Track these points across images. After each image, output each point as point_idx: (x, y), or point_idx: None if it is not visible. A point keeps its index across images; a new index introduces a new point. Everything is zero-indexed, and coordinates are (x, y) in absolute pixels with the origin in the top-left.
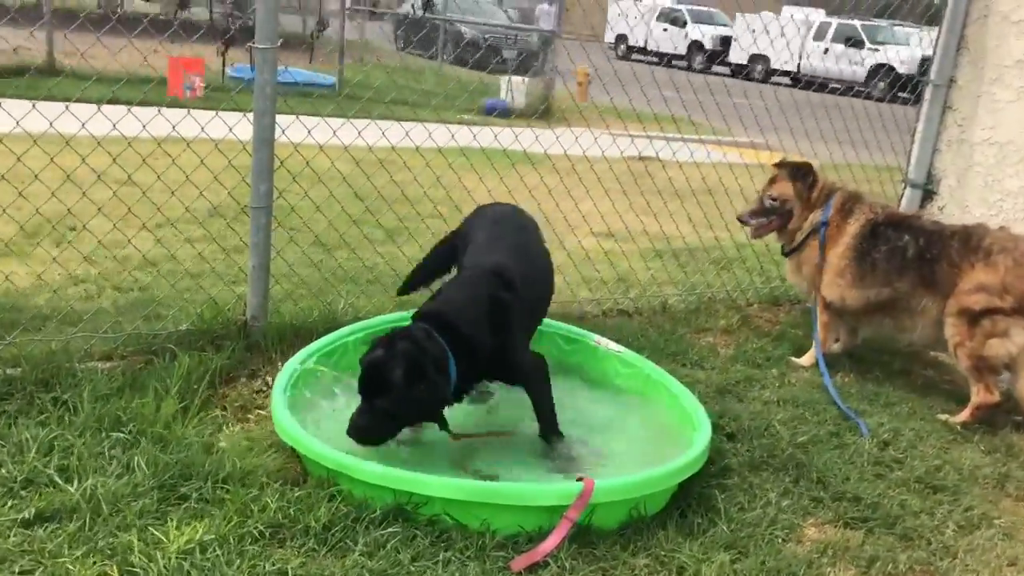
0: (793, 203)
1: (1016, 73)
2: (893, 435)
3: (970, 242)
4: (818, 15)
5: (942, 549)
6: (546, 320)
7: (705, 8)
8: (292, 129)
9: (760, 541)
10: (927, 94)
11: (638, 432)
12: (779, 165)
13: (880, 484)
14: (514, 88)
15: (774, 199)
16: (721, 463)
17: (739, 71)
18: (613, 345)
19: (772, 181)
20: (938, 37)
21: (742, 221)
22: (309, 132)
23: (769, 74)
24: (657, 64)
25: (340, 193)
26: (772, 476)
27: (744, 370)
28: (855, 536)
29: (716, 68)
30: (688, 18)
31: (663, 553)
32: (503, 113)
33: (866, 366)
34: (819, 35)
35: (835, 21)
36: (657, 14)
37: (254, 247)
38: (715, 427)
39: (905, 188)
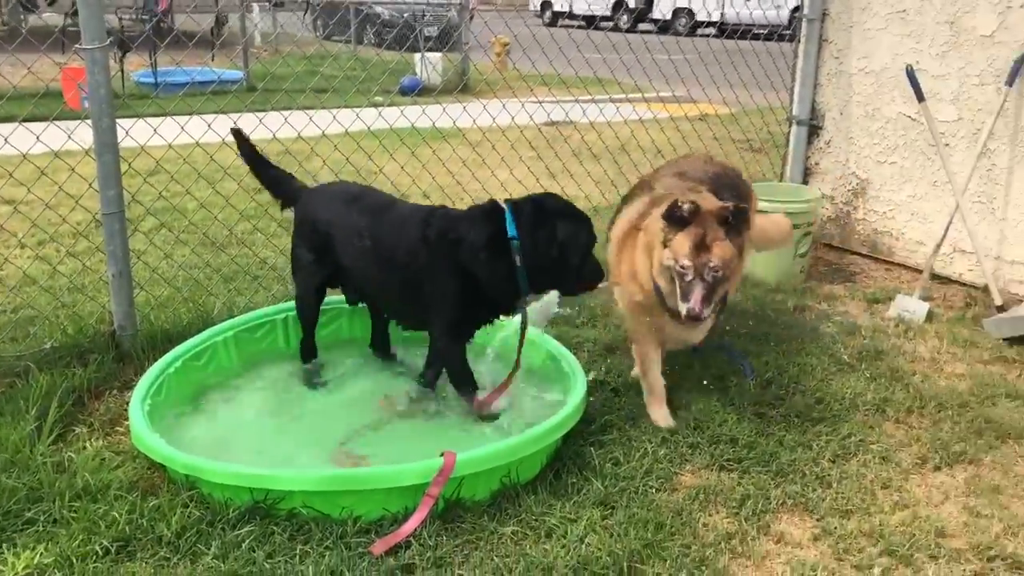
0: (736, 263)
1: (881, 0)
2: (777, 373)
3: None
4: None
5: (816, 480)
6: None
7: None
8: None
9: (633, 494)
10: (803, 29)
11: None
12: (695, 216)
13: (759, 423)
14: (429, 65)
15: (717, 270)
16: (601, 420)
17: (665, 27)
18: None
19: (704, 247)
20: None
21: (696, 318)
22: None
23: (695, 27)
24: (584, 27)
25: (231, 189)
26: (651, 427)
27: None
28: (729, 478)
29: (642, 26)
30: None
31: (533, 518)
32: (419, 91)
33: (758, 307)
34: None
35: None
36: None
37: (111, 255)
38: (601, 384)
39: (791, 126)
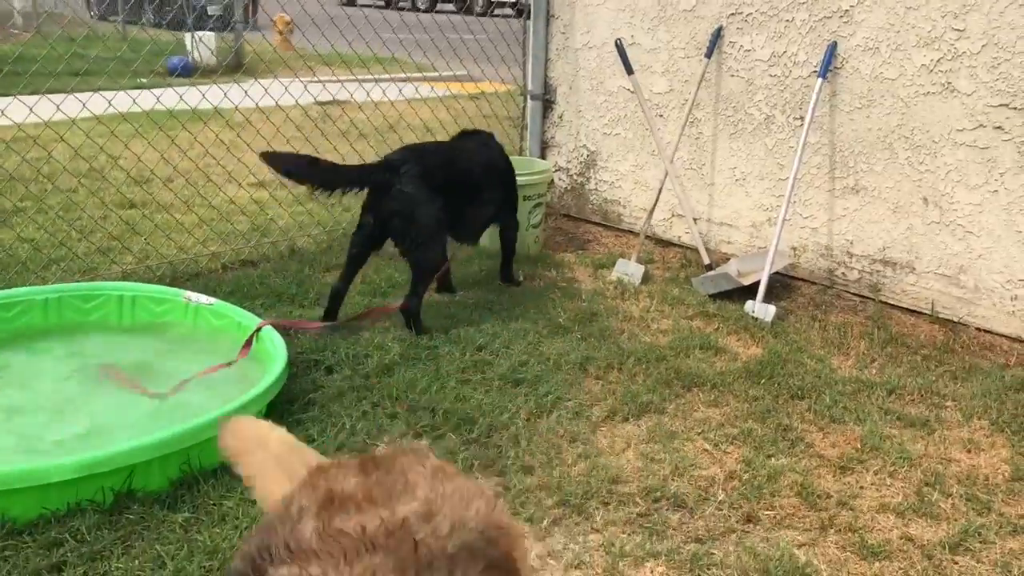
0: None
1: None
2: (491, 339)
3: None
4: None
5: (508, 440)
6: (133, 284)
7: None
8: None
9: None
10: (532, 4)
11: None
12: None
13: (462, 389)
14: (202, 44)
15: None
16: (305, 398)
17: (461, 7)
18: (204, 298)
19: None
20: None
21: None
22: None
23: (491, 7)
24: (383, 8)
25: None
26: (354, 401)
27: (362, 301)
28: (421, 445)
29: (442, 6)
30: None
31: (211, 503)
32: (186, 71)
33: (488, 277)
34: None
35: None
36: None
37: None
38: (315, 363)
39: (526, 101)
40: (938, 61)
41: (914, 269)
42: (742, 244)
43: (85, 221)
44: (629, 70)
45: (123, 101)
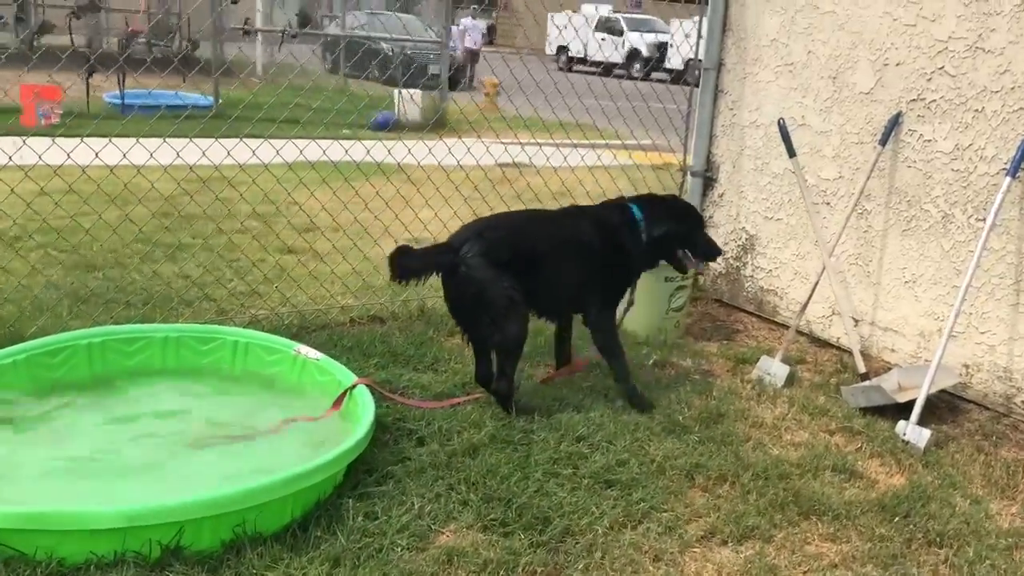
0: None
1: (772, 52)
2: (594, 430)
3: None
4: None
5: (581, 548)
6: (247, 331)
7: (643, 16)
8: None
9: (375, 551)
10: (700, 78)
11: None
12: None
13: (547, 483)
14: (407, 101)
15: None
16: (384, 470)
17: (677, 77)
18: (312, 353)
19: None
20: (700, 19)
21: None
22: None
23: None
24: (599, 74)
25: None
26: (431, 481)
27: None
28: (486, 540)
29: (656, 75)
30: (625, 27)
31: (254, 572)
32: (392, 127)
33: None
34: None
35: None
36: (595, 24)
37: None
38: (408, 433)
39: (685, 176)
40: None
41: None
42: (907, 354)
43: (243, 262)
44: (791, 152)
45: (321, 151)
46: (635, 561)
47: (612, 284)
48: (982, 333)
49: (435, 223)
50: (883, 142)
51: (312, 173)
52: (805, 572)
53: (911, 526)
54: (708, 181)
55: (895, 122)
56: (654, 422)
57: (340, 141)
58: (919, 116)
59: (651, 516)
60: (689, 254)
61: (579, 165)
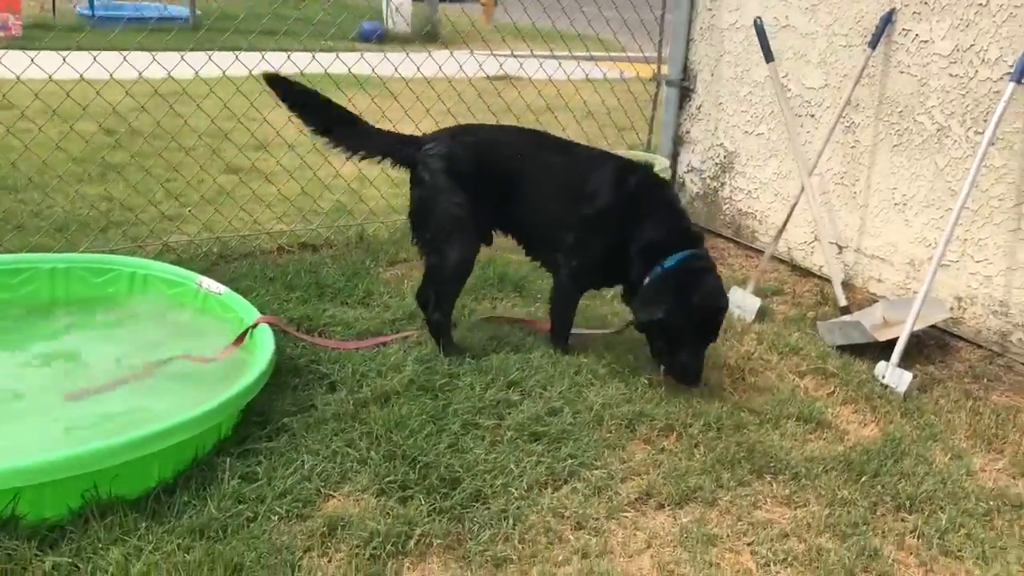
0: None
1: None
2: (530, 373)
3: None
4: None
5: (491, 515)
6: (147, 262)
7: None
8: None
9: (246, 522)
10: None
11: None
12: None
13: (464, 438)
14: (396, 11)
15: None
16: (279, 422)
17: None
18: (216, 286)
19: None
20: None
21: None
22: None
23: None
24: None
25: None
26: (330, 435)
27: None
28: (379, 506)
29: None
30: None
31: (90, 550)
32: (380, 37)
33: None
34: None
35: None
36: None
37: None
38: (321, 378)
39: (659, 87)
40: None
41: None
42: (895, 285)
43: (178, 183)
44: (769, 56)
45: (299, 66)
46: (551, 530)
47: (590, 256)
48: (977, 262)
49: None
50: (873, 44)
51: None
52: (748, 544)
53: (879, 487)
54: (685, 91)
55: (887, 20)
56: (600, 364)
57: (317, 53)
58: (915, 13)
59: (579, 475)
60: (665, 350)
61: (578, 78)
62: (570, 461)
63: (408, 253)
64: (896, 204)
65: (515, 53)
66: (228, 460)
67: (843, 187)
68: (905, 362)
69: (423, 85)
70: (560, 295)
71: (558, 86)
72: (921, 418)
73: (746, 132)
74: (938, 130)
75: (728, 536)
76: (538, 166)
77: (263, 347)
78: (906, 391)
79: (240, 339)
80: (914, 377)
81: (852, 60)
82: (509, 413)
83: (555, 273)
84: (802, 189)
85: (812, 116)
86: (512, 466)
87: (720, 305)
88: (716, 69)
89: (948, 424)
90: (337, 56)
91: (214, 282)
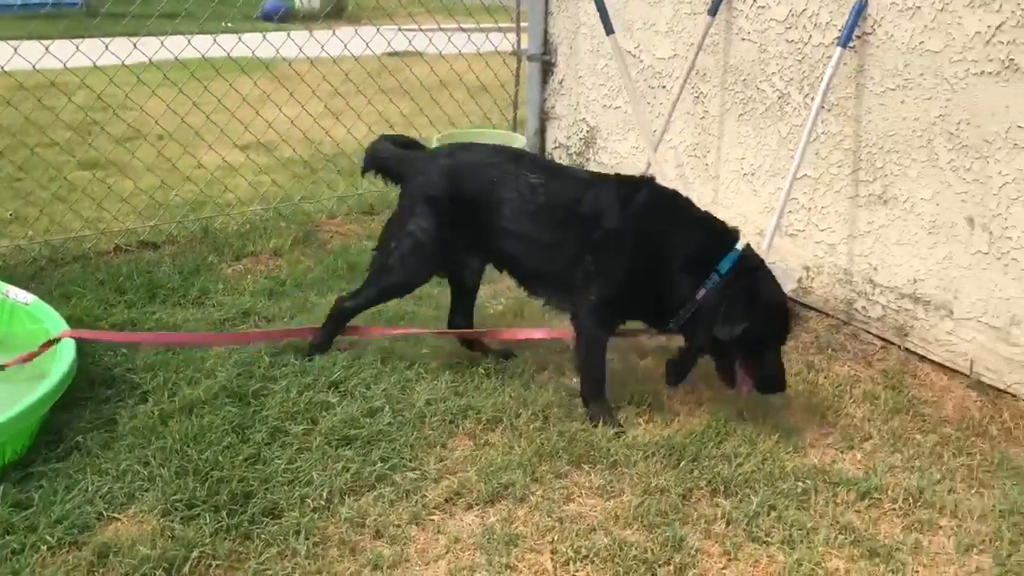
0: None
1: None
2: (355, 371)
3: None
4: None
5: (283, 531)
6: None
7: None
8: None
9: (12, 553)
10: None
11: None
12: None
13: (267, 448)
14: None
15: None
16: (73, 440)
17: None
18: (22, 296)
19: None
20: None
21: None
22: None
23: None
24: None
25: None
26: (125, 451)
27: (252, 301)
28: (159, 528)
29: None
30: None
31: None
32: (283, 18)
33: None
34: None
35: None
36: None
37: None
38: (133, 387)
39: (520, 62)
40: (998, 28)
41: (951, 313)
42: None
43: (27, 183)
44: (608, 28)
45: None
46: (345, 541)
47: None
48: (822, 231)
49: (281, 123)
50: (713, 11)
51: (155, 73)
52: (551, 543)
53: (696, 472)
54: (546, 66)
55: None
56: (435, 357)
57: (216, 35)
58: None
59: (388, 479)
60: (743, 368)
61: (483, 51)
62: (380, 465)
63: (256, 246)
64: (745, 174)
65: (402, 28)
66: (3, 486)
67: (695, 159)
68: None
69: (328, 65)
70: (584, 341)
71: (451, 61)
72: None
73: (605, 106)
74: (779, 98)
75: (532, 535)
76: (500, 182)
77: (60, 362)
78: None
79: (33, 355)
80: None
81: (698, 29)
82: (324, 417)
83: (572, 315)
84: (648, 165)
85: (664, 87)
86: (315, 475)
87: (788, 303)
88: (574, 42)
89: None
90: (240, 39)
91: (21, 291)
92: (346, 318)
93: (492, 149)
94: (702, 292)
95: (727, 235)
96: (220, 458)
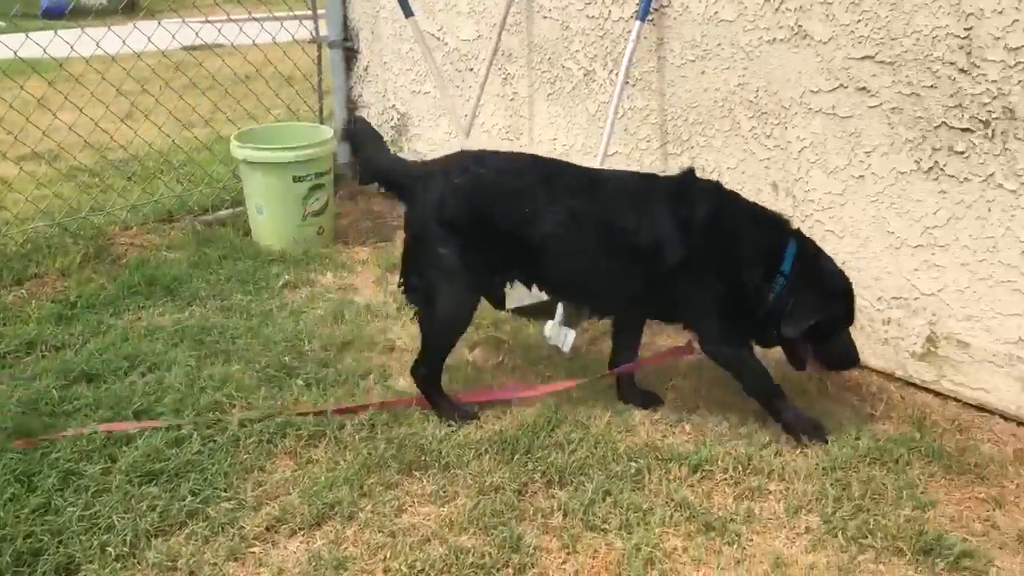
0: None
1: None
2: (158, 397)
3: None
4: None
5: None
6: None
7: None
8: None
9: None
10: None
11: None
12: None
13: (60, 494)
14: None
15: None
16: None
17: None
18: None
19: None
20: None
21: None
22: None
23: None
24: None
25: None
26: None
27: (37, 329)
28: None
29: None
30: None
31: None
32: (58, 12)
33: (232, 280)
34: None
35: None
36: None
37: None
38: None
39: (321, 49)
40: None
41: None
42: None
43: None
44: (407, 11)
45: None
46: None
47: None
48: None
49: (58, 129)
50: None
51: None
52: (383, 560)
53: (530, 465)
54: (349, 52)
55: None
56: (255, 369)
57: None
58: None
59: (200, 513)
60: (812, 351)
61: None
62: (190, 499)
63: (39, 267)
64: (559, 155)
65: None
66: None
67: (509, 142)
68: (572, 320)
69: (106, 63)
70: (728, 366)
71: (245, 53)
72: (585, 376)
73: (414, 92)
74: (585, 75)
75: (363, 555)
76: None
77: None
78: (570, 349)
79: None
80: (584, 331)
81: (499, 8)
82: (123, 452)
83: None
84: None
85: (471, 70)
86: (116, 519)
87: (850, 284)
88: (375, 27)
89: (614, 378)
90: (27, 36)
91: None
92: (432, 384)
93: (510, 161)
94: (771, 297)
95: (780, 226)
96: (1, 513)
